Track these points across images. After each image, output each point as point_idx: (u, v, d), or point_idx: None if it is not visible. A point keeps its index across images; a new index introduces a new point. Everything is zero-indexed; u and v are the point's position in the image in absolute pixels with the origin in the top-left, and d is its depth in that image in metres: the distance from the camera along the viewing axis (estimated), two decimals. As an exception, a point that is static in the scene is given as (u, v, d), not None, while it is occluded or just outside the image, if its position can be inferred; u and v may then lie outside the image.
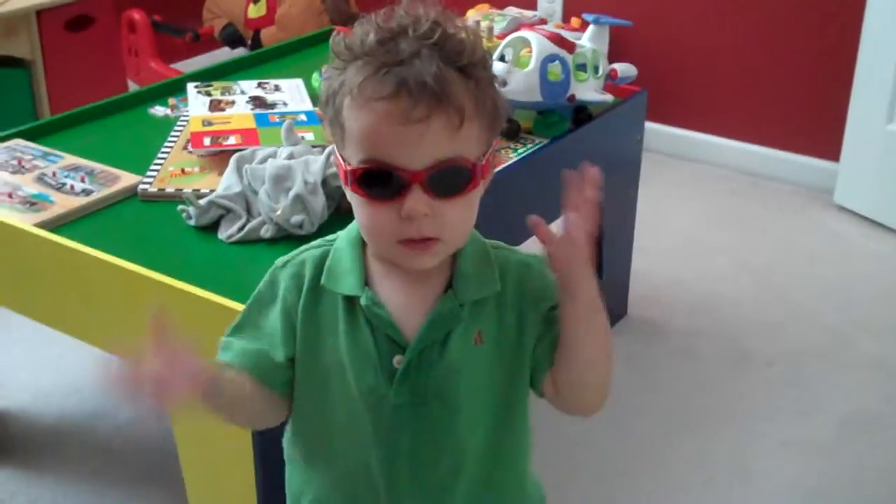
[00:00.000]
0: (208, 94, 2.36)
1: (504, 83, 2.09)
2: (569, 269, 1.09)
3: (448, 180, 1.07)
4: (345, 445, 1.19)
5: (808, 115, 3.48)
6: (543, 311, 1.16)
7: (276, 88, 2.41)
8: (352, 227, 1.17)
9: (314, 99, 2.36)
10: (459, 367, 1.15)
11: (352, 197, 1.11)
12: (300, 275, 1.17)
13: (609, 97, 2.30)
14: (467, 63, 1.07)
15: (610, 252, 2.62)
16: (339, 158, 1.12)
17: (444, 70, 1.04)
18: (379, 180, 1.06)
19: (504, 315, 1.16)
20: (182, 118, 2.31)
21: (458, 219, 1.09)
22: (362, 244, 1.15)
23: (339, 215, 1.83)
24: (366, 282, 1.15)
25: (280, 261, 1.21)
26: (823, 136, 3.44)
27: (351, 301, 1.14)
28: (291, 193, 1.79)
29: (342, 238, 1.18)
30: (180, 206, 1.87)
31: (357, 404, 1.16)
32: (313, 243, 1.21)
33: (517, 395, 1.20)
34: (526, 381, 1.19)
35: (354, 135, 1.07)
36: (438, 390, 1.15)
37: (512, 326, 1.16)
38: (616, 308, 2.74)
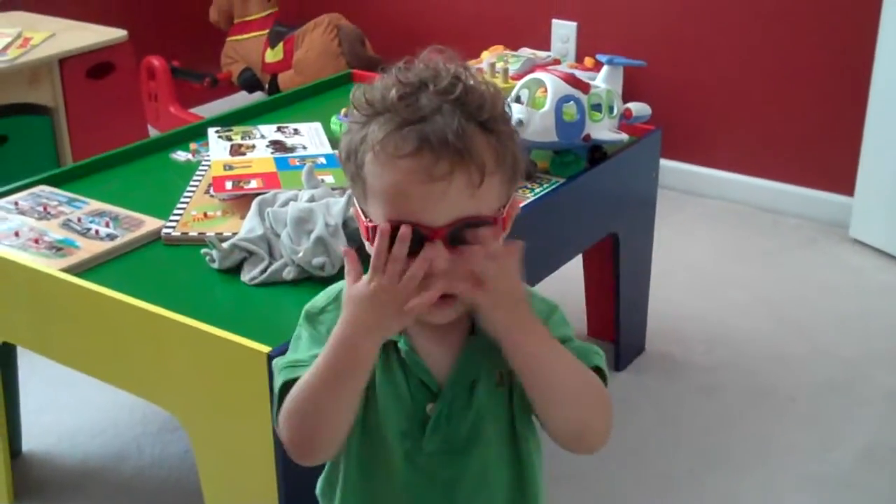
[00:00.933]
0: (229, 138, 2.39)
1: (520, 123, 2.12)
2: (497, 288, 1.07)
3: (468, 236, 1.07)
4: (382, 487, 1.21)
5: (822, 149, 3.50)
6: None
7: (296, 132, 2.45)
8: None
9: (333, 142, 2.39)
10: (486, 412, 1.17)
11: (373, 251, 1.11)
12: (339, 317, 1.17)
13: (624, 136, 2.32)
14: (488, 118, 1.08)
15: (627, 289, 2.64)
16: (360, 213, 1.13)
17: (465, 126, 1.06)
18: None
19: None
20: (203, 162, 2.34)
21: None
22: None
23: (360, 256, 1.85)
24: None
25: (315, 307, 1.21)
26: (838, 171, 3.46)
27: (385, 346, 1.15)
28: (313, 236, 1.81)
29: None
30: (204, 250, 1.90)
31: (391, 449, 1.18)
32: (341, 284, 1.20)
33: (526, 425, 1.22)
34: (529, 411, 1.20)
35: (377, 191, 1.08)
36: (469, 437, 1.17)
37: None
38: (634, 344, 2.76)
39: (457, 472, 1.19)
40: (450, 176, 1.04)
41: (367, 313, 1.08)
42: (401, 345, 1.15)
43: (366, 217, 1.12)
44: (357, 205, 1.14)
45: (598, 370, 1.18)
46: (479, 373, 1.16)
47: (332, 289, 1.22)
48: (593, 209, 2.39)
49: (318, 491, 1.29)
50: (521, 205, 2.09)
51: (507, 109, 1.13)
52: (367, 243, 1.13)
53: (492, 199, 1.09)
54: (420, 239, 1.06)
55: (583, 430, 1.16)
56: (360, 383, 1.12)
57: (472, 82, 1.09)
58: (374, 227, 1.08)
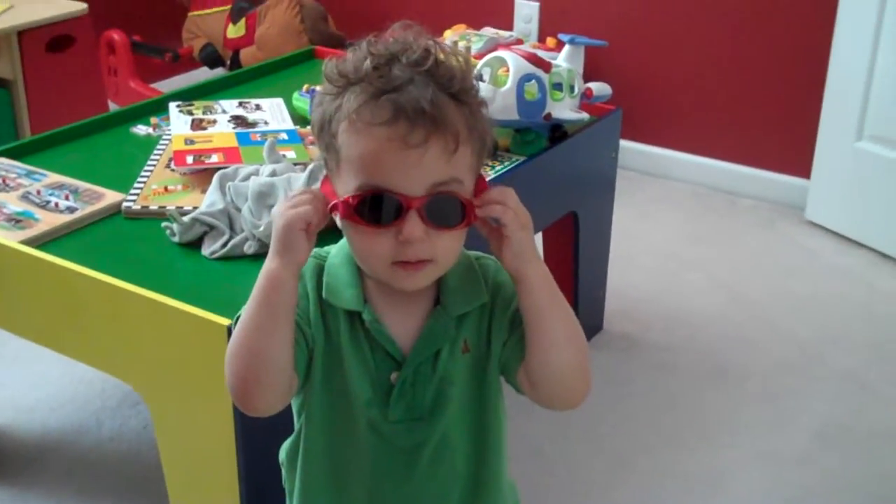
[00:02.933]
0: (190, 113, 2.39)
1: (486, 103, 2.13)
2: (512, 239, 1.12)
3: (444, 211, 1.10)
4: (345, 453, 1.22)
5: (780, 132, 3.54)
6: (511, 312, 1.20)
7: (257, 108, 2.44)
8: (344, 244, 1.20)
9: (295, 118, 2.39)
10: (452, 379, 1.19)
11: (345, 224, 1.13)
12: (304, 286, 1.19)
13: (585, 115, 2.34)
14: (459, 89, 1.11)
15: (586, 268, 2.66)
16: (331, 188, 1.14)
17: (438, 96, 1.08)
18: (377, 206, 1.09)
19: (482, 321, 1.20)
20: (164, 137, 2.33)
21: (451, 243, 1.13)
22: None
23: (322, 231, 1.86)
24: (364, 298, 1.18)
25: None
26: (795, 154, 3.50)
27: (351, 316, 1.17)
28: (274, 210, 1.81)
29: (335, 254, 1.21)
30: (164, 223, 1.90)
31: (356, 416, 1.19)
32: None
33: (492, 393, 1.24)
34: (496, 379, 1.23)
35: (353, 160, 1.10)
36: (433, 405, 1.19)
37: (484, 330, 1.20)
38: (592, 323, 2.78)
39: (420, 440, 1.21)
40: (425, 144, 1.07)
41: (275, 236, 1.13)
42: (365, 315, 1.17)
43: (338, 194, 1.13)
44: (329, 180, 1.16)
45: None
46: (443, 342, 1.18)
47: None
48: (553, 188, 2.41)
49: (281, 457, 1.31)
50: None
51: (476, 83, 1.16)
52: (335, 217, 1.14)
53: (464, 169, 1.12)
54: (397, 210, 1.08)
55: (575, 377, 1.18)
56: (286, 316, 1.13)
57: (441, 55, 1.11)
58: (350, 198, 1.10)
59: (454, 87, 1.10)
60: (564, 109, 2.28)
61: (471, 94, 1.13)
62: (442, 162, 1.08)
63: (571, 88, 2.32)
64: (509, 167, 2.24)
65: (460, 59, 1.14)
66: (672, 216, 3.51)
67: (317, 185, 1.66)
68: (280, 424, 1.30)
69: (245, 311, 1.15)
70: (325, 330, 1.18)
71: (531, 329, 1.15)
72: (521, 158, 2.28)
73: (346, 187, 1.11)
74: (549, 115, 2.24)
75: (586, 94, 2.38)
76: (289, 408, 1.24)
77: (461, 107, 1.11)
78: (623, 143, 2.69)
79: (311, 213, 1.11)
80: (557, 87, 2.28)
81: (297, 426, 1.26)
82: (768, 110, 3.54)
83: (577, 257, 2.63)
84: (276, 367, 1.14)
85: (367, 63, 1.09)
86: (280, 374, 1.15)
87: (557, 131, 2.35)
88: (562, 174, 2.42)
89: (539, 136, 2.31)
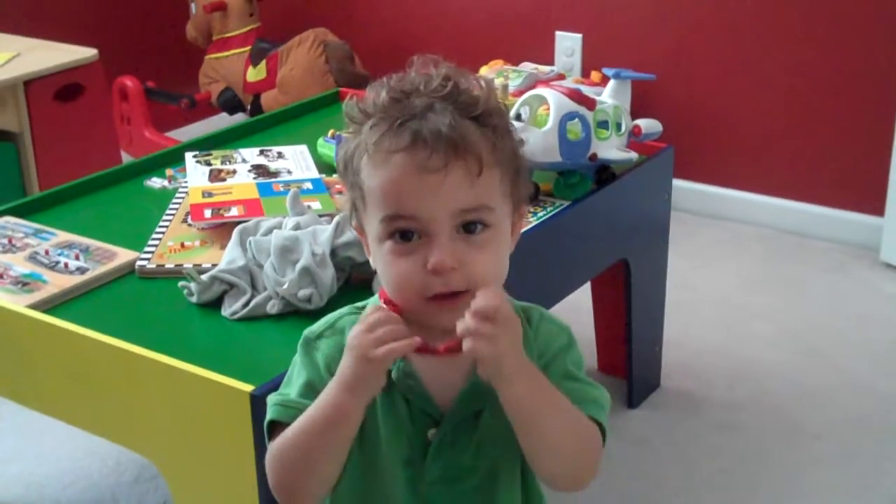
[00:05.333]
0: (208, 163, 2.41)
1: (521, 142, 2.14)
2: (485, 361, 1.11)
3: (471, 228, 1.12)
4: None
5: (849, 167, 3.52)
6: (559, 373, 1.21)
7: (280, 156, 2.47)
8: (378, 297, 1.22)
9: (320, 166, 2.41)
10: (493, 440, 1.19)
11: (378, 258, 1.16)
12: (341, 344, 1.19)
13: (633, 155, 2.34)
14: (482, 112, 1.14)
15: (640, 320, 2.65)
16: (361, 227, 1.18)
17: (458, 120, 1.11)
18: (403, 233, 1.12)
19: None
20: (181, 189, 2.36)
21: (486, 270, 1.14)
22: None
23: (350, 287, 1.87)
24: None
25: (312, 332, 1.25)
26: (866, 190, 3.47)
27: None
28: (298, 266, 1.82)
29: (373, 304, 1.23)
30: (181, 283, 1.91)
31: (394, 477, 1.20)
32: (343, 310, 1.26)
33: None
34: None
35: (374, 192, 1.13)
36: (472, 465, 1.19)
37: None
38: (648, 380, 2.77)
39: (458, 501, 1.21)
40: (445, 168, 1.10)
41: (348, 367, 1.14)
42: (393, 372, 1.18)
43: (366, 232, 1.17)
44: (358, 221, 1.19)
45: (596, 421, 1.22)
46: (485, 401, 1.18)
47: (332, 315, 1.27)
48: (601, 234, 2.41)
49: None
50: (523, 230, 2.10)
51: (501, 105, 1.19)
52: (370, 257, 1.18)
53: (495, 195, 1.14)
54: (424, 236, 1.12)
55: (566, 479, 1.21)
56: (348, 436, 1.16)
57: (463, 82, 1.15)
58: (378, 231, 1.13)
59: (477, 110, 1.14)
60: (611, 149, 2.28)
61: (495, 116, 1.16)
62: (465, 186, 1.11)
63: (618, 126, 2.32)
64: (552, 212, 2.24)
65: (483, 83, 1.17)
66: (732, 261, 3.49)
67: (340, 241, 1.66)
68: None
69: (303, 426, 1.17)
70: None
71: (519, 433, 1.16)
72: (566, 203, 2.27)
73: (372, 223, 1.14)
74: (594, 155, 2.24)
75: (634, 132, 2.38)
76: None
77: (485, 129, 1.14)
78: (676, 182, 2.68)
79: (399, 351, 1.12)
80: (603, 125, 2.28)
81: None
82: (835, 143, 3.52)
83: (629, 309, 2.61)
84: (330, 481, 1.20)
85: (384, 95, 1.14)
86: (331, 483, 1.20)
87: (604, 173, 2.35)
88: (610, 219, 2.42)
89: (584, 178, 2.31)
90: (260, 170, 2.38)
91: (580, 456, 1.18)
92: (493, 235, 1.15)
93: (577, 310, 2.69)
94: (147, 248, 2.07)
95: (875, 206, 3.45)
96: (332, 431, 1.15)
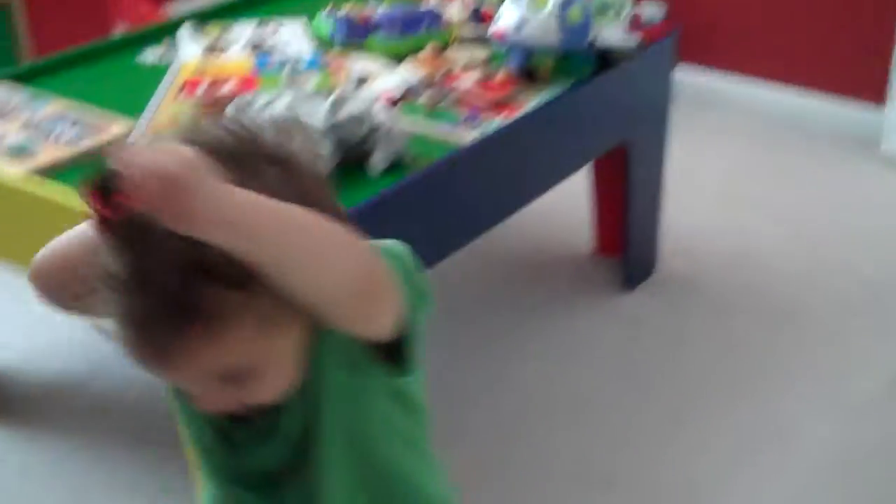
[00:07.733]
0: (203, 37, 2.39)
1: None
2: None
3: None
4: None
5: (851, 54, 3.48)
6: None
7: (277, 30, 2.44)
8: None
9: (318, 42, 2.38)
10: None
11: None
12: None
13: (635, 40, 2.32)
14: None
15: (638, 204, 2.65)
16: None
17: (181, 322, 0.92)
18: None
19: None
20: (175, 63, 2.33)
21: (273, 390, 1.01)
22: None
23: (346, 166, 1.87)
24: None
25: None
26: (868, 77, 3.44)
27: None
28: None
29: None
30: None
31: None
32: None
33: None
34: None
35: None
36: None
37: None
38: (645, 262, 2.78)
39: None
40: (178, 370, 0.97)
41: None
42: None
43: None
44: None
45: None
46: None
47: None
48: (601, 117, 2.39)
49: None
50: (522, 112, 2.06)
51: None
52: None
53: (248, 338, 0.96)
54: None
55: (353, 276, 0.92)
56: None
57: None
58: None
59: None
60: (611, 33, 2.26)
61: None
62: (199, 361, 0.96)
63: (620, 10, 2.29)
64: (551, 95, 2.22)
65: None
66: (731, 149, 3.47)
67: (337, 118, 1.60)
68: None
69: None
70: None
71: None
72: (566, 86, 2.26)
73: None
74: (594, 39, 2.21)
75: (636, 16, 2.35)
76: None
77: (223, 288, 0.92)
78: (678, 67, 2.65)
79: None
80: (603, 9, 2.25)
81: None
82: (838, 29, 3.47)
83: (628, 193, 2.62)
84: None
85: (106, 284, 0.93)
86: None
87: (605, 57, 2.32)
88: (610, 103, 2.40)
89: (584, 61, 2.29)
90: (256, 44, 2.36)
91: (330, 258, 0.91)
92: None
93: (573, 194, 2.70)
94: (140, 122, 2.06)
95: (876, 94, 3.42)
96: None
